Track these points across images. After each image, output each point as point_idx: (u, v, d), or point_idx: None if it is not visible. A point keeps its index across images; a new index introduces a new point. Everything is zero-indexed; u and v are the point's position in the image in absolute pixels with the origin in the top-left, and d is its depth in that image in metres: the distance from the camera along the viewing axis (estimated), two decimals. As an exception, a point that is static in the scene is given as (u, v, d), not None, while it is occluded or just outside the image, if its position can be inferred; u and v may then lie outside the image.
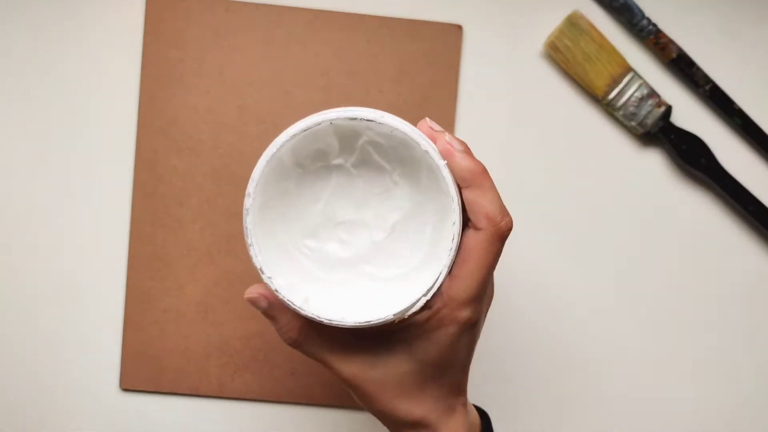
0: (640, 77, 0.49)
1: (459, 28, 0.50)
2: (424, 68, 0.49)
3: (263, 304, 0.36)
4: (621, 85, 0.49)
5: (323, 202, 0.36)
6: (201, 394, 0.50)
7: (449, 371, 0.36)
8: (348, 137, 0.36)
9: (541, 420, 0.51)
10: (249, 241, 0.34)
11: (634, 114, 0.49)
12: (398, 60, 0.49)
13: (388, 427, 0.38)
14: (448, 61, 0.50)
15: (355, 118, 0.34)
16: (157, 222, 0.49)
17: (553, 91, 0.51)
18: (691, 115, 0.51)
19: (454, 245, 0.33)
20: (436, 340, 0.35)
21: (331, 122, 0.34)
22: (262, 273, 0.34)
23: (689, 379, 0.51)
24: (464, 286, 0.34)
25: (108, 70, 0.50)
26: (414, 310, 0.33)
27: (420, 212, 0.36)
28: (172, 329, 0.49)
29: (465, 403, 0.38)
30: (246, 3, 0.49)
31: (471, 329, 0.35)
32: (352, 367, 0.36)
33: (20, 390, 0.49)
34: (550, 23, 0.49)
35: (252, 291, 0.36)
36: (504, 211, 0.34)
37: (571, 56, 0.49)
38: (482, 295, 0.35)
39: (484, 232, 0.34)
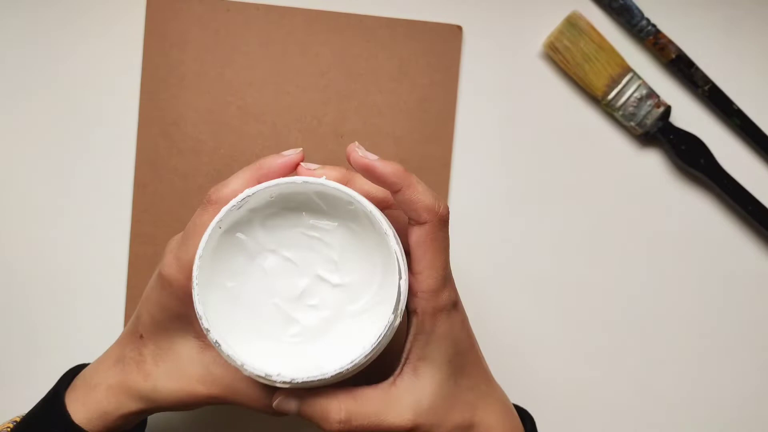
0: (639, 77, 0.50)
1: (459, 28, 0.50)
2: (424, 69, 0.49)
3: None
4: (620, 86, 0.49)
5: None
6: None
7: (466, 358, 0.37)
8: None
9: (541, 420, 0.51)
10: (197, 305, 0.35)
11: (633, 114, 0.49)
12: (398, 60, 0.49)
13: None
14: (448, 61, 0.50)
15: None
16: (159, 222, 0.49)
17: (552, 92, 0.51)
18: (690, 115, 0.51)
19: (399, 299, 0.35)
20: (437, 338, 0.36)
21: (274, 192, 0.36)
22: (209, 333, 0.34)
23: (688, 379, 0.51)
24: (431, 276, 0.35)
25: (109, 70, 0.50)
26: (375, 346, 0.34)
27: (367, 263, 0.37)
28: None
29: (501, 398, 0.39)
30: (246, 3, 0.49)
31: (455, 309, 0.37)
32: (405, 414, 0.36)
33: (21, 393, 0.49)
34: (549, 24, 0.50)
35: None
36: (438, 199, 0.36)
37: (570, 57, 0.49)
38: (449, 276, 0.36)
39: (429, 223, 0.35)
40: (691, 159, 0.50)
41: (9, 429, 0.40)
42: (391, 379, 0.37)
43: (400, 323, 0.35)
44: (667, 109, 0.50)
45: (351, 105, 0.49)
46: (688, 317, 0.51)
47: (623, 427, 0.51)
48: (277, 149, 0.46)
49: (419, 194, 0.35)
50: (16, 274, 0.50)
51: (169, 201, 0.49)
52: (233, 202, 0.35)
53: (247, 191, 0.35)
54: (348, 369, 0.34)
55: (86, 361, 0.42)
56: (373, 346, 0.34)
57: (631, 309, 0.51)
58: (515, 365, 0.51)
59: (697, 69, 0.50)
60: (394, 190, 0.35)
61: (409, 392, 0.36)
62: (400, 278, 0.34)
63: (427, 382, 0.36)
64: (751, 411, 0.51)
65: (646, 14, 0.50)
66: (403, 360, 0.37)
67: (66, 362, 0.49)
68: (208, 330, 0.34)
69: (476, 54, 0.50)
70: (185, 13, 0.49)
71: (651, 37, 0.50)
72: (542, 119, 0.51)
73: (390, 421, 0.35)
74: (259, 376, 0.34)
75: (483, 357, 0.40)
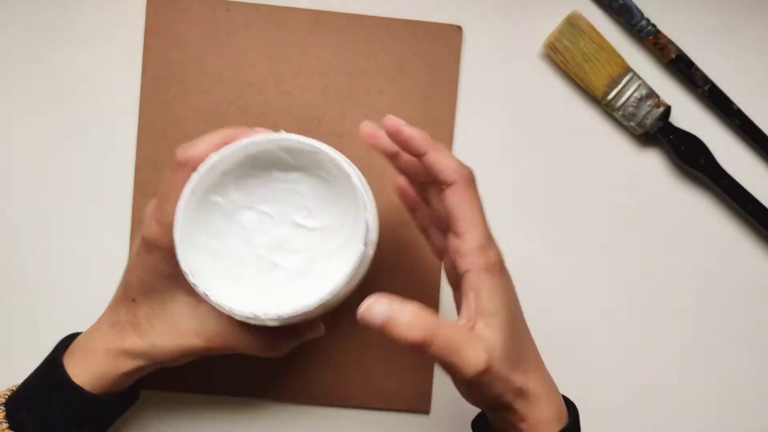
0: (639, 77, 0.50)
1: (459, 28, 0.50)
2: (423, 69, 0.49)
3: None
4: (620, 86, 0.49)
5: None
6: (216, 392, 0.50)
7: (520, 322, 0.38)
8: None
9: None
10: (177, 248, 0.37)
11: (633, 114, 0.49)
12: (398, 60, 0.49)
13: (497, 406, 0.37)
14: (447, 61, 0.50)
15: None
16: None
17: (552, 92, 0.51)
18: (689, 115, 0.51)
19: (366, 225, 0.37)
20: (498, 294, 0.36)
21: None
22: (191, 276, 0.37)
23: (687, 379, 0.51)
24: (475, 232, 0.36)
25: (109, 71, 0.50)
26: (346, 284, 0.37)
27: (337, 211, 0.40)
28: None
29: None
30: (246, 4, 0.49)
31: (504, 269, 0.37)
32: (482, 355, 0.35)
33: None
34: (549, 24, 0.50)
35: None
36: (462, 163, 0.37)
37: (570, 57, 0.49)
38: (490, 234, 0.37)
39: (458, 182, 0.37)
40: (690, 159, 0.50)
41: (6, 396, 0.41)
42: (463, 321, 0.36)
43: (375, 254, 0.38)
44: (667, 109, 0.50)
45: (351, 105, 0.49)
46: (687, 316, 0.51)
47: (621, 425, 0.51)
48: None
49: (444, 156, 0.37)
50: (16, 274, 0.50)
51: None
52: (202, 170, 0.37)
53: (214, 156, 0.37)
54: (329, 299, 0.36)
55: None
56: (350, 276, 0.36)
57: (629, 308, 0.51)
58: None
59: (697, 69, 0.50)
60: (420, 153, 0.37)
61: (485, 340, 0.35)
62: (366, 210, 0.37)
63: (498, 335, 0.36)
64: (750, 409, 0.51)
65: (646, 14, 0.50)
66: (467, 314, 0.36)
67: None
68: (195, 284, 0.37)
69: (476, 54, 0.50)
70: (186, 13, 0.49)
71: (651, 37, 0.50)
72: (542, 119, 0.51)
73: (466, 356, 0.34)
74: (249, 318, 0.37)
75: (534, 343, 0.40)
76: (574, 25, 0.49)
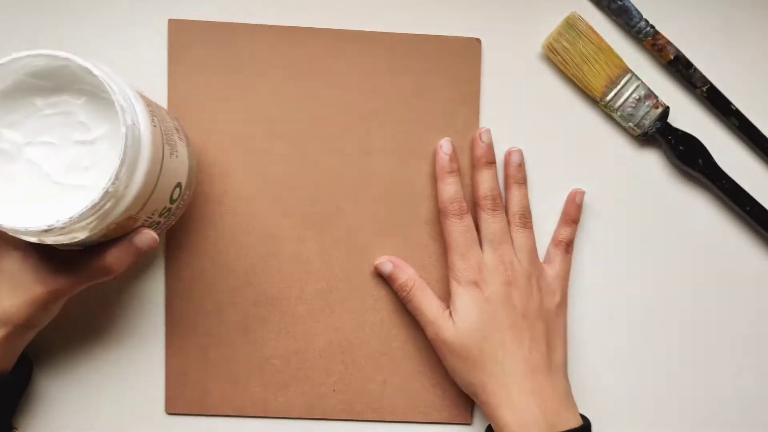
0: (638, 78, 0.50)
1: (477, 41, 0.50)
2: (445, 82, 0.50)
3: (389, 266, 0.49)
4: (618, 86, 0.49)
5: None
6: (246, 415, 0.50)
7: (484, 342, 0.47)
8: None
9: None
10: None
11: (631, 115, 0.50)
12: (420, 75, 0.50)
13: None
14: (468, 74, 0.50)
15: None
16: (194, 247, 0.49)
17: (550, 92, 0.51)
18: (688, 115, 0.51)
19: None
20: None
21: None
22: None
23: (687, 379, 0.51)
24: None
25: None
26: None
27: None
28: (214, 352, 0.49)
29: None
30: (268, 26, 0.49)
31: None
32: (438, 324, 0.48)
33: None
34: (548, 25, 0.50)
35: (381, 259, 0.49)
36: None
37: (569, 58, 0.50)
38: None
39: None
40: (689, 159, 0.50)
41: None
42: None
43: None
44: (666, 110, 0.50)
45: (376, 122, 0.50)
46: (686, 317, 0.51)
47: (620, 425, 0.51)
48: (305, 169, 0.49)
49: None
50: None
51: (202, 225, 0.49)
52: None
53: None
54: (108, 190, 0.36)
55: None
56: (121, 160, 0.36)
57: (628, 309, 0.51)
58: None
59: (696, 70, 0.50)
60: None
61: (446, 321, 0.48)
62: (116, 94, 0.36)
63: (459, 328, 0.48)
64: (750, 409, 0.52)
65: (645, 15, 0.50)
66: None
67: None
68: None
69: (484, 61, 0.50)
70: (208, 38, 0.49)
71: (649, 38, 0.50)
72: (540, 120, 0.51)
73: (426, 315, 0.49)
74: (37, 230, 0.36)
75: None
76: (572, 26, 0.49)
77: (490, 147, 0.49)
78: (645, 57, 0.51)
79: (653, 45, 0.50)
